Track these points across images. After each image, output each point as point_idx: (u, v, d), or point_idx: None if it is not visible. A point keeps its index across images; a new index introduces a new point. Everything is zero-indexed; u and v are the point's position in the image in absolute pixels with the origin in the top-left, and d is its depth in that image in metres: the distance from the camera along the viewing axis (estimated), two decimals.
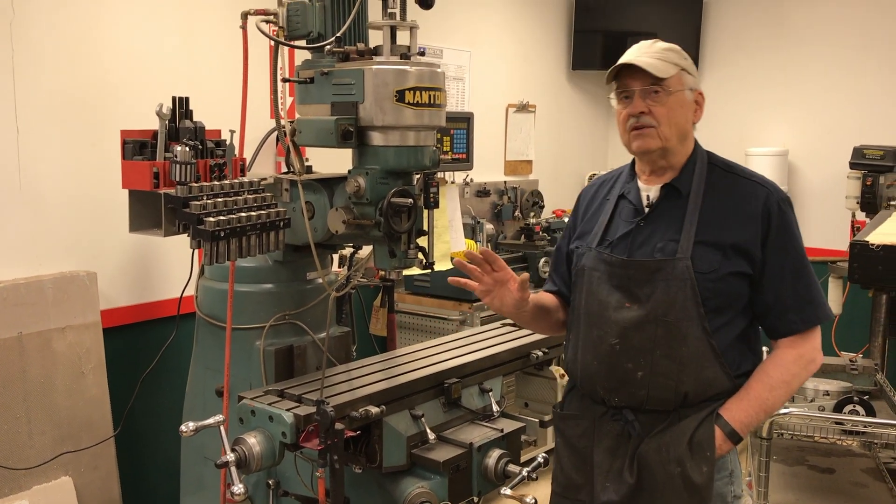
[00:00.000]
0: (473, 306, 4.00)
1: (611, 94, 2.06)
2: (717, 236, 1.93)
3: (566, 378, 2.70)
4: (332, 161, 2.55)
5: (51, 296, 2.80)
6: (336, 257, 3.00)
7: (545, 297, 2.22)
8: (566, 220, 5.02)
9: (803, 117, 5.40)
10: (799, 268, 1.96)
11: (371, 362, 2.38)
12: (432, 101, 2.21)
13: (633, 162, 2.11)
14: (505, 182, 5.10)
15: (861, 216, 4.57)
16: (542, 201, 5.23)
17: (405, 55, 2.19)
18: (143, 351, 3.13)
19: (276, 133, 2.79)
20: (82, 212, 3.01)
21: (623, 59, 1.97)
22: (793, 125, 5.43)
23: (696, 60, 5.76)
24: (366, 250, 2.90)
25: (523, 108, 5.28)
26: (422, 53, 2.19)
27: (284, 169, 2.76)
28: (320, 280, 2.65)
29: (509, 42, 5.24)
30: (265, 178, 2.36)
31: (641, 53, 1.97)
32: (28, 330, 2.74)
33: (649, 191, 2.03)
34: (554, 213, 5.16)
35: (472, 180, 4.72)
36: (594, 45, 5.78)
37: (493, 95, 5.02)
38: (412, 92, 2.15)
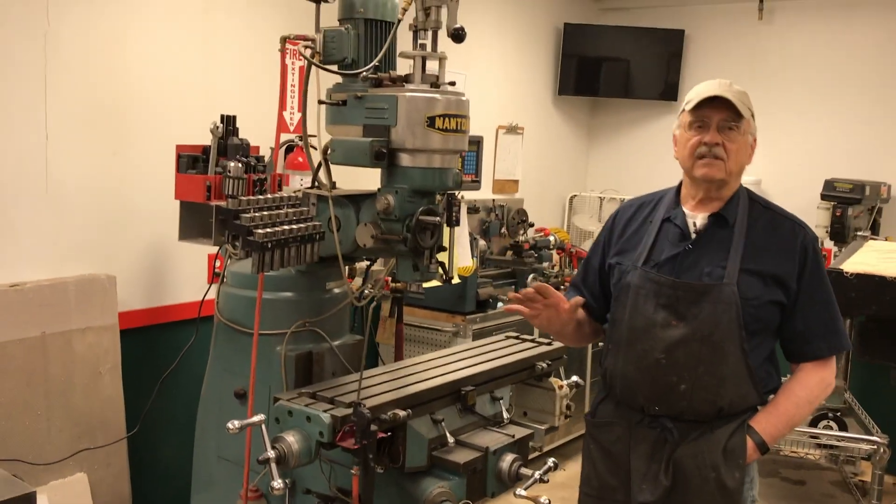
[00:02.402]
0: (466, 319, 4.16)
1: (678, 121, 2.22)
2: (759, 266, 2.12)
3: (564, 389, 2.88)
4: (346, 180, 2.70)
5: (73, 297, 2.90)
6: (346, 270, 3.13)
7: (581, 314, 2.39)
8: (552, 238, 5.22)
9: (777, 149, 5.67)
10: (827, 300, 2.17)
11: (391, 369, 2.52)
12: (459, 128, 2.37)
13: (678, 189, 2.29)
14: (493, 200, 5.28)
15: (828, 244, 4.85)
16: (528, 219, 5.42)
17: (434, 84, 2.35)
18: (156, 353, 3.23)
19: (284, 147, 2.95)
20: (102, 217, 3.12)
21: (712, 91, 2.12)
22: (766, 156, 5.69)
23: (676, 89, 6.02)
24: (379, 264, 3.05)
25: (513, 129, 5.48)
26: (452, 84, 2.35)
27: (294, 183, 2.90)
28: (337, 290, 2.79)
29: (501, 66, 5.43)
30: (296, 192, 2.50)
31: (725, 89, 2.13)
32: (51, 330, 2.84)
33: (695, 218, 2.21)
34: (544, 232, 5.36)
35: (462, 197, 4.89)
36: (579, 71, 6.01)
37: (486, 116, 5.20)
38: (442, 118, 2.31)
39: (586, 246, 5.92)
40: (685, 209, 2.22)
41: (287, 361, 2.60)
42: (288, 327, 2.63)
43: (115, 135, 3.13)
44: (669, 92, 6.03)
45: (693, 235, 2.19)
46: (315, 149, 2.78)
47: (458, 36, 2.33)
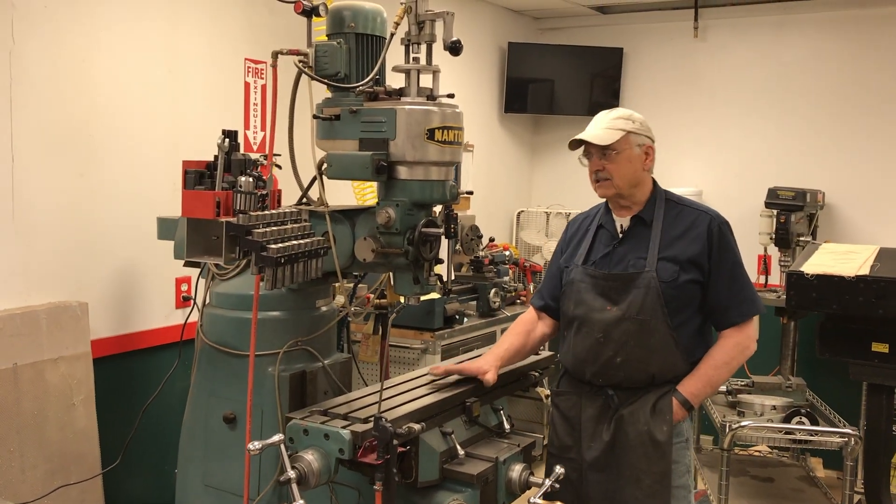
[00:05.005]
0: (435, 335, 4.15)
1: (580, 154, 2.67)
2: (674, 253, 2.51)
3: (549, 399, 2.94)
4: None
5: (44, 326, 2.77)
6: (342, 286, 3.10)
7: (512, 340, 2.69)
8: (507, 253, 5.27)
9: (716, 161, 5.89)
10: (736, 273, 2.55)
11: (395, 383, 2.50)
12: (456, 139, 2.40)
13: (608, 201, 2.70)
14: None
15: (772, 250, 5.06)
16: (481, 235, 5.45)
17: (430, 96, 2.37)
18: (128, 381, 3.11)
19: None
20: (71, 241, 2.99)
21: (579, 136, 2.58)
22: (707, 167, 5.92)
23: (615, 106, 6.17)
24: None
25: (463, 147, 5.53)
26: (451, 96, 2.37)
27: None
28: (324, 308, 2.75)
29: (451, 85, 5.47)
30: (290, 208, 2.46)
31: (596, 126, 2.60)
32: (22, 361, 2.70)
33: (622, 221, 2.63)
34: (502, 247, 5.40)
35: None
36: (523, 90, 6.12)
37: None
38: (441, 130, 2.33)
39: (536, 259, 6.01)
40: (614, 215, 2.64)
41: (281, 382, 2.55)
42: (278, 347, 2.58)
43: (82, 156, 3.01)
44: (608, 109, 6.19)
45: (620, 236, 2.59)
46: (280, 167, 2.73)
47: (454, 49, 2.36)
